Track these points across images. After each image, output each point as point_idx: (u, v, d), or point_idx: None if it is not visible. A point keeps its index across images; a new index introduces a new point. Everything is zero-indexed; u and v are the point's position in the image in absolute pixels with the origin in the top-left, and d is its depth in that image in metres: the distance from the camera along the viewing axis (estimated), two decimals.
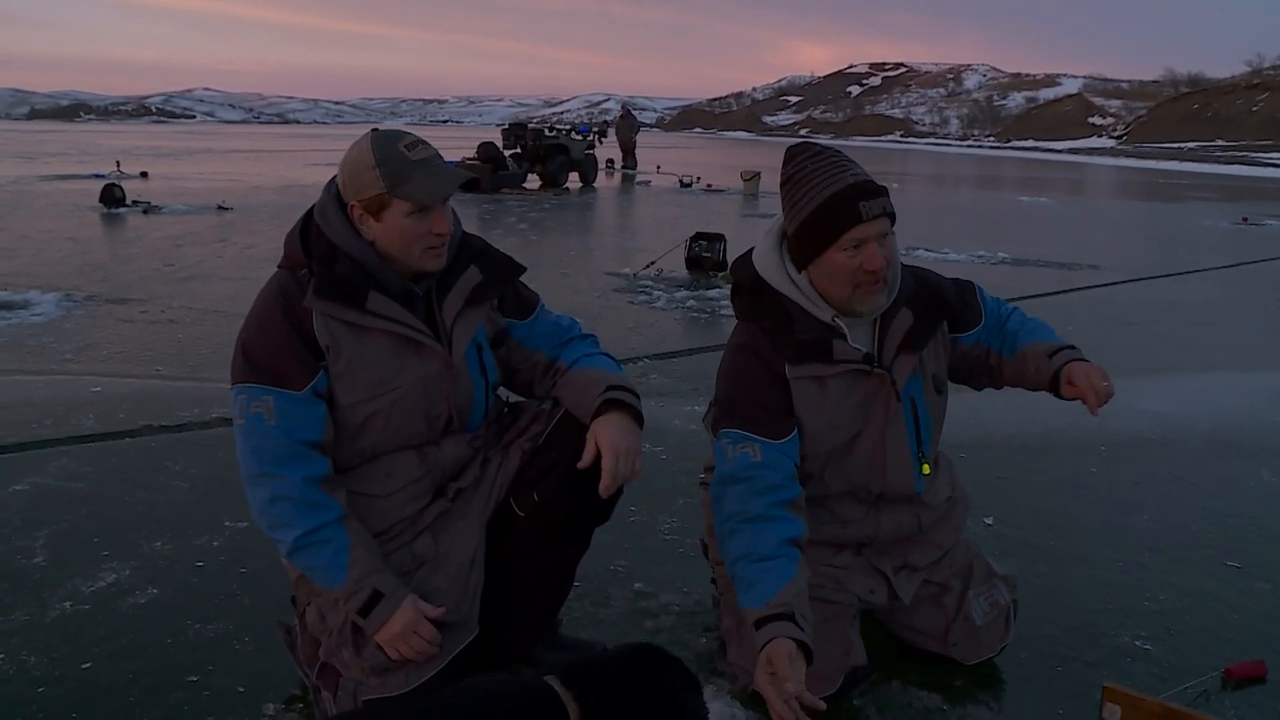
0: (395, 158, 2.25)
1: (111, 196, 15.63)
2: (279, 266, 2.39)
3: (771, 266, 2.53)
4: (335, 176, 2.38)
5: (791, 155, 2.48)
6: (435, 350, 2.35)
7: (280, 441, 2.25)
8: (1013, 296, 8.98)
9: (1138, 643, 2.97)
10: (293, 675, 2.59)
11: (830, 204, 2.36)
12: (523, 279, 2.61)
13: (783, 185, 2.48)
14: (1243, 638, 3.02)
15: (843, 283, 2.43)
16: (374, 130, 2.33)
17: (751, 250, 2.63)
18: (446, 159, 2.43)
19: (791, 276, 2.51)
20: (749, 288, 2.58)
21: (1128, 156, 76.36)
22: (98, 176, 20.85)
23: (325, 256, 2.30)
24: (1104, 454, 4.72)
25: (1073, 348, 2.61)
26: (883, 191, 2.39)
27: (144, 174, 23.39)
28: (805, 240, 2.43)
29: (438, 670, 2.33)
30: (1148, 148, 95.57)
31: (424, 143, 2.32)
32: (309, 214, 2.38)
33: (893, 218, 2.41)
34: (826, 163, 2.41)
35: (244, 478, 2.31)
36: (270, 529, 2.29)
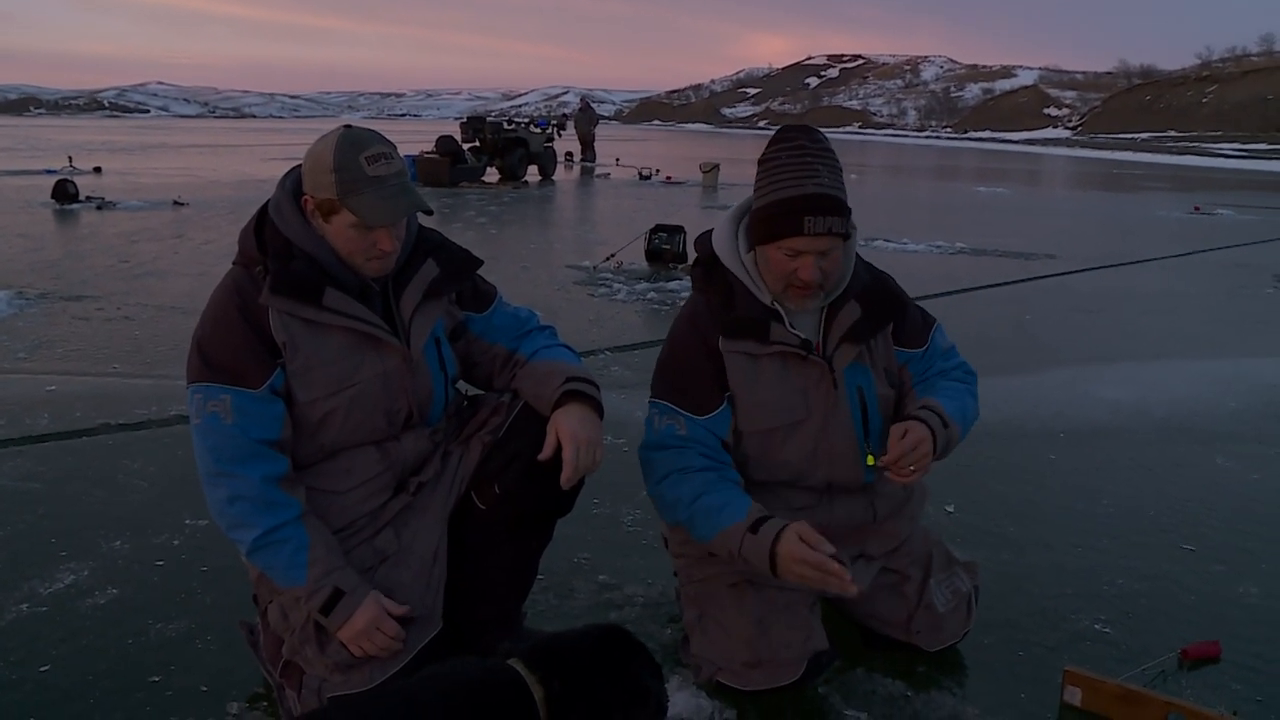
0: (352, 168, 2.20)
1: (64, 192, 15.36)
2: (234, 263, 2.36)
3: (724, 243, 2.58)
4: (289, 171, 2.36)
5: (777, 138, 2.48)
6: (393, 345, 2.34)
7: (237, 440, 2.23)
8: (971, 286, 9.08)
9: (1097, 626, 3.01)
10: (256, 674, 2.57)
11: (779, 206, 2.39)
12: (482, 272, 2.60)
13: (759, 163, 2.49)
14: (1198, 619, 3.07)
15: (775, 278, 2.48)
16: (346, 128, 2.28)
17: None
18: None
19: (741, 256, 2.54)
20: (704, 261, 2.63)
21: (1083, 147, 77.13)
22: (49, 172, 20.53)
23: (280, 253, 2.27)
24: (1063, 441, 4.78)
25: (946, 423, 2.47)
26: (839, 209, 2.38)
27: (97, 169, 23.04)
28: (755, 227, 2.48)
29: (402, 666, 2.32)
30: (1102, 138, 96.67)
31: (388, 156, 2.24)
32: (264, 210, 2.35)
33: (845, 236, 2.42)
34: (800, 161, 2.40)
35: (202, 477, 2.28)
36: (229, 529, 2.27)
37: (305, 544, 2.24)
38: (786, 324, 2.51)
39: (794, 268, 2.41)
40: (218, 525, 2.30)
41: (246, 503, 2.23)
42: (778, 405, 2.54)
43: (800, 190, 2.36)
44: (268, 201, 2.35)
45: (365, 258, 2.28)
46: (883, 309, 2.59)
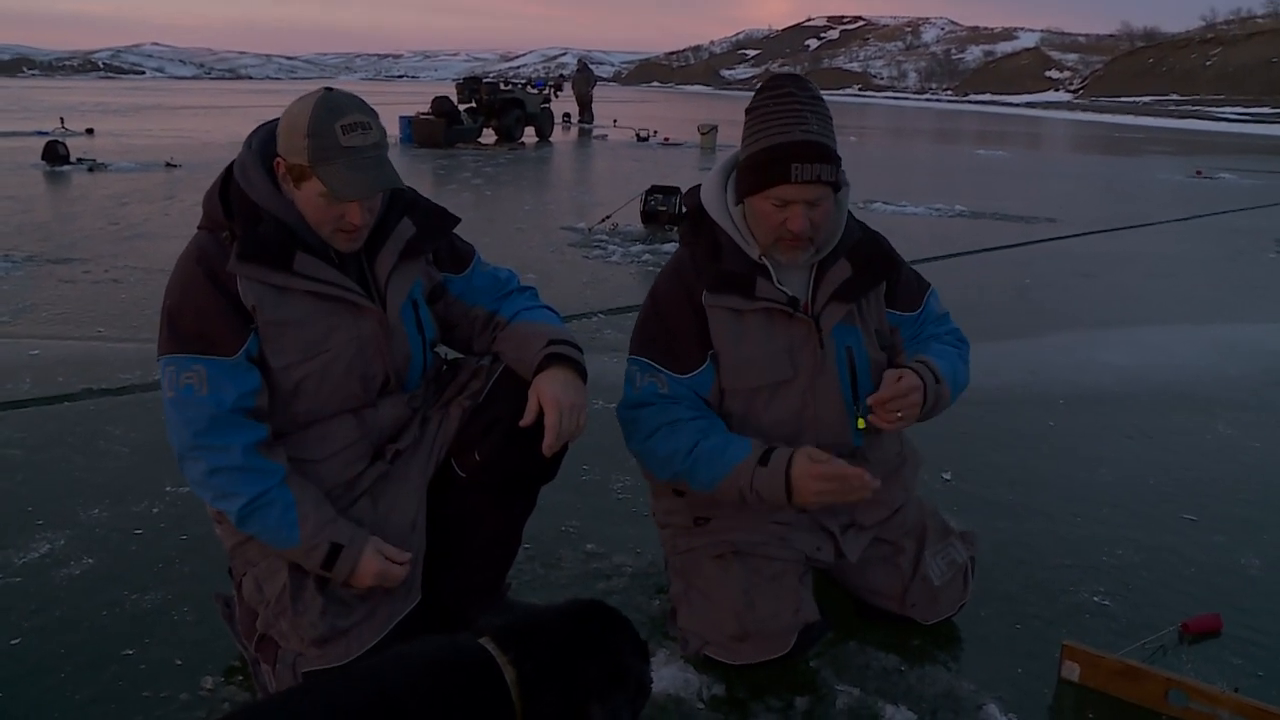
0: (327, 135, 2.09)
1: (55, 154, 15.20)
2: (199, 228, 2.26)
3: (712, 196, 2.51)
4: (255, 131, 2.27)
5: (765, 87, 2.41)
6: (369, 308, 2.25)
7: (213, 412, 2.14)
8: (971, 250, 8.99)
9: (1096, 599, 2.94)
10: (233, 646, 2.51)
11: (767, 154, 2.30)
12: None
13: (746, 112, 2.40)
14: (1199, 591, 3.01)
15: (765, 230, 2.40)
16: (325, 91, 2.17)
17: None
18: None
19: (729, 209, 2.47)
20: (692, 214, 2.57)
21: (1084, 110, 76.66)
22: (41, 134, 20.30)
23: (247, 218, 2.18)
24: (1062, 407, 4.70)
25: (938, 379, 2.45)
26: (827, 157, 2.29)
27: (89, 131, 22.81)
28: (742, 177, 2.41)
29: (380, 639, 2.26)
30: (1104, 102, 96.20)
31: (365, 126, 2.13)
32: (228, 172, 2.25)
33: (836, 185, 2.34)
34: (787, 109, 2.31)
35: (178, 452, 2.20)
36: (215, 500, 2.20)
37: (292, 503, 2.17)
38: (774, 280, 2.43)
39: (783, 218, 2.33)
40: (202, 497, 2.23)
41: (228, 473, 2.15)
42: (763, 363, 2.45)
43: (787, 138, 2.28)
44: (232, 163, 2.25)
45: (333, 229, 2.18)
46: (874, 268, 2.50)
